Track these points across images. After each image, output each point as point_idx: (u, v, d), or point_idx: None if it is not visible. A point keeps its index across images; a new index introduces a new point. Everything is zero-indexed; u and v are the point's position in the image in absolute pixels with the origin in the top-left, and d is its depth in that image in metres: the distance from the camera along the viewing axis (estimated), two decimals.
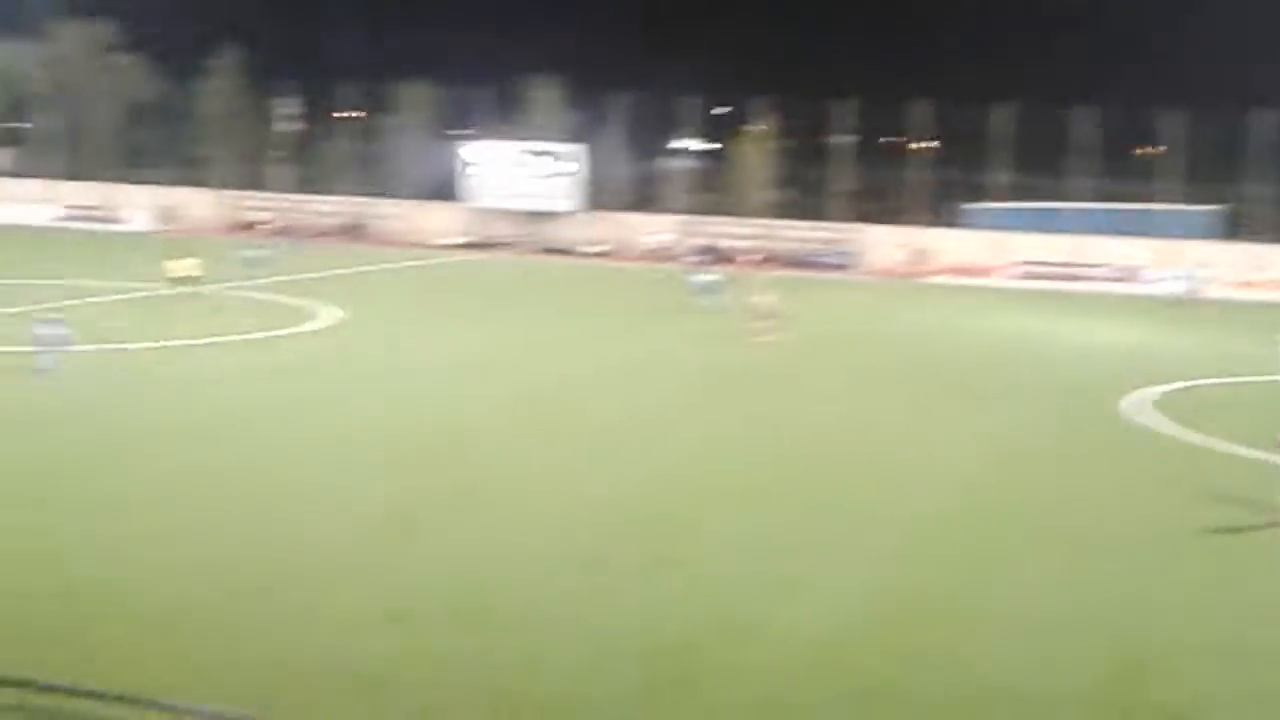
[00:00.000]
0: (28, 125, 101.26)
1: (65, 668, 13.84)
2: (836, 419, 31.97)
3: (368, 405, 31.02)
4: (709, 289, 54.34)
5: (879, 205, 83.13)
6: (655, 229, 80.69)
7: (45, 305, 37.32)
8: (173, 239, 67.04)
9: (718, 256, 72.29)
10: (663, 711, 14.66)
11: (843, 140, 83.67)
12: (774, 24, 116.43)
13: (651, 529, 21.53)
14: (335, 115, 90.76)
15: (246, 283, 54.80)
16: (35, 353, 32.84)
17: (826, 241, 78.28)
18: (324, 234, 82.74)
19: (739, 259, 75.52)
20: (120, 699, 8.83)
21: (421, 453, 26.37)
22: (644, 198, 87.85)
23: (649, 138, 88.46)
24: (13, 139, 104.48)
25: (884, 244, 77.58)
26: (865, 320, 54.60)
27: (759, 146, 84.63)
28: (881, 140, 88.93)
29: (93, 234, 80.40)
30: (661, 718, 14.55)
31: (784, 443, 28.92)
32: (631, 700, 14.81)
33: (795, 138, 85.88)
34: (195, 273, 50.30)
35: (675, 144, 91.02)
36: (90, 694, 8.97)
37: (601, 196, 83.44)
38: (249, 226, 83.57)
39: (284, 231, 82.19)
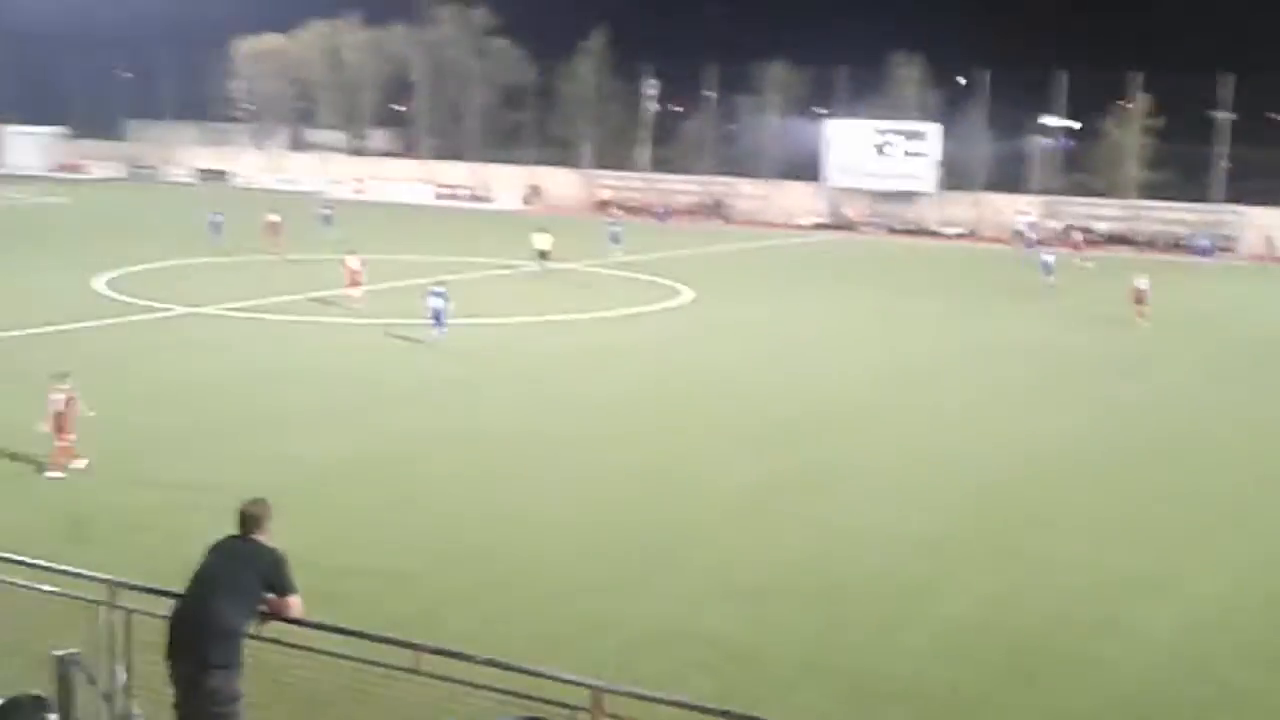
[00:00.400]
0: (402, 109, 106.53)
1: (447, 630, 14.72)
2: (1199, 409, 30.50)
3: (728, 382, 31.43)
4: (1050, 269, 52.81)
5: (1261, 185, 78.48)
6: (1017, 209, 78.61)
7: (426, 281, 39.20)
8: (536, 217, 69.27)
9: (1070, 238, 69.59)
10: (1008, 704, 14.36)
11: (1221, 116, 79.30)
12: None
13: (1003, 514, 21.10)
14: (702, 94, 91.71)
15: (609, 260, 56.24)
16: (426, 324, 34.73)
17: (1199, 224, 74.59)
18: (684, 213, 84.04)
19: (1103, 241, 72.90)
20: (490, 663, 9.21)
21: (778, 430, 26.58)
22: (1006, 177, 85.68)
23: (1011, 115, 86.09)
24: (393, 120, 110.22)
25: (1265, 226, 73.37)
26: (1236, 307, 51.81)
27: (1129, 123, 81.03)
28: (1268, 115, 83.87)
29: (463, 212, 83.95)
30: (1007, 710, 14.26)
31: (1143, 430, 27.81)
32: (977, 689, 14.57)
33: (1169, 114, 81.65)
34: (546, 247, 52.03)
35: (1039, 121, 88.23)
36: (464, 656, 9.40)
37: (961, 176, 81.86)
38: (610, 206, 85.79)
39: (644, 210, 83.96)
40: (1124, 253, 70.05)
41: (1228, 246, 72.67)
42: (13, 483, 21.13)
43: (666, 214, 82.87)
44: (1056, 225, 75.94)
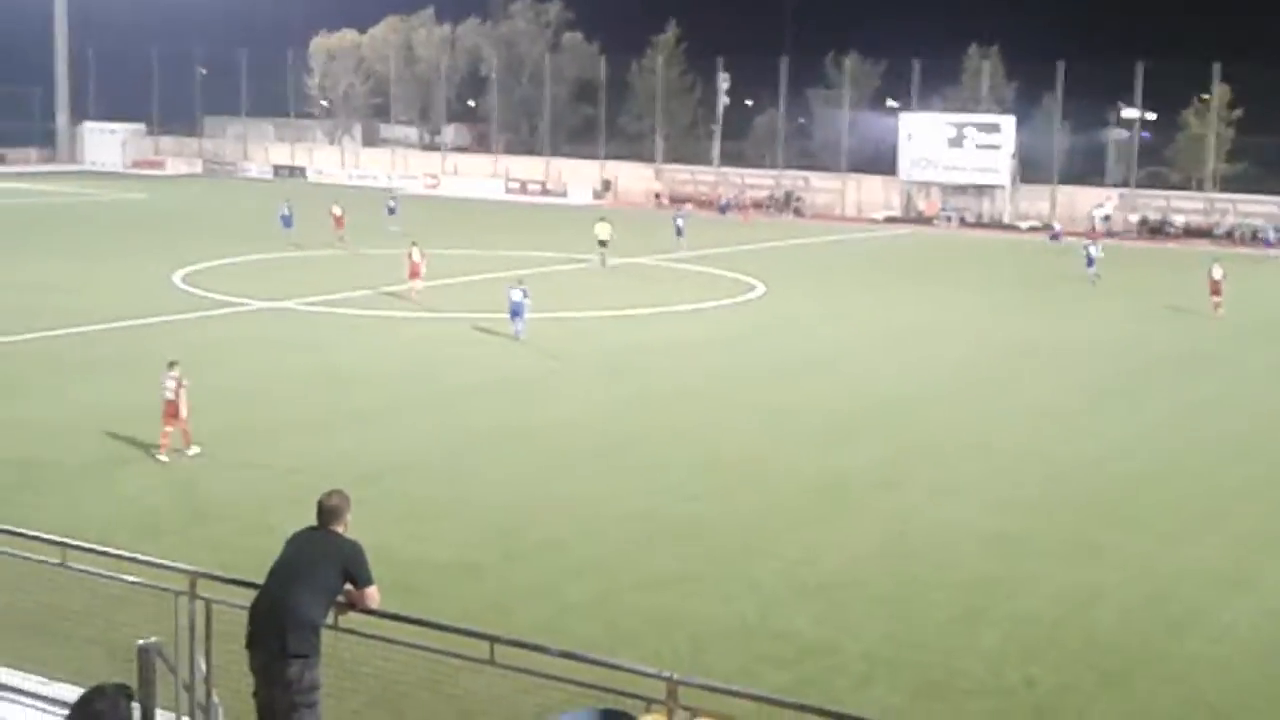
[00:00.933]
0: (475, 104, 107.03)
1: (519, 622, 14.84)
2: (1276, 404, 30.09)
3: (799, 376, 31.36)
4: (1093, 261, 51.99)
5: None
6: (1095, 202, 77.74)
7: (506, 274, 39.42)
8: (602, 209, 69.36)
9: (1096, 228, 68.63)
10: (1086, 701, 14.25)
11: None
12: None
13: (1079, 510, 20.92)
14: (775, 88, 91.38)
15: (679, 254, 56.24)
16: (504, 319, 34.90)
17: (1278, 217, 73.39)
18: (757, 206, 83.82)
19: (1181, 234, 72.03)
20: (565, 655, 9.26)
21: (851, 425, 26.52)
22: (1082, 170, 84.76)
23: (1087, 107, 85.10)
24: (466, 116, 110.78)
25: None
26: None
27: (1207, 115, 79.78)
28: None
29: (536, 207, 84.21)
30: (1085, 707, 14.14)
31: (1226, 426, 27.45)
32: (1054, 685, 14.48)
33: (1248, 105, 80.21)
34: (605, 236, 52.43)
35: (1116, 113, 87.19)
36: (539, 649, 9.46)
37: (1037, 169, 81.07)
38: (682, 201, 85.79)
39: (717, 204, 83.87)
40: (1202, 245, 69.02)
41: None
42: (130, 466, 21.50)
43: (729, 207, 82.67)
44: (1133, 218, 75.09)
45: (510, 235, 63.23)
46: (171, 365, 22.81)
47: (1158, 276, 54.56)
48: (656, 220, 67.58)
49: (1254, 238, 71.75)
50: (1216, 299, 42.77)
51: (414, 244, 42.45)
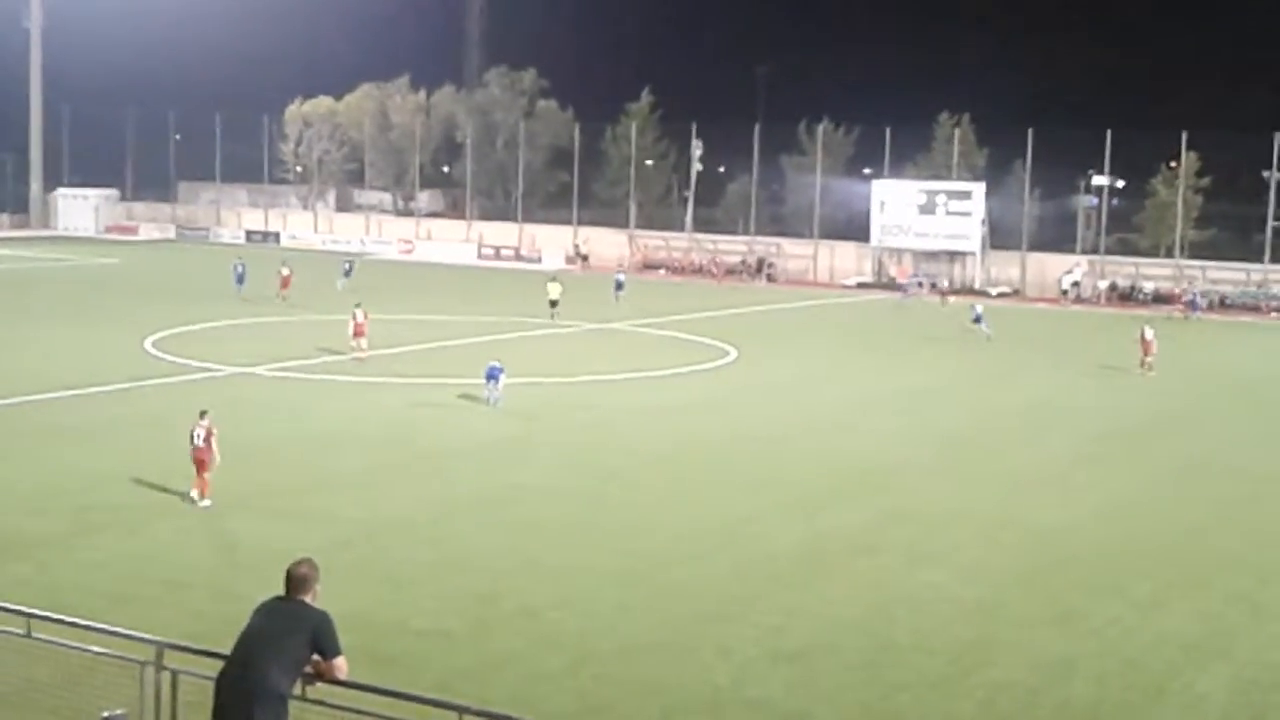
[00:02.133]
0: (445, 169, 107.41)
1: (493, 691, 14.74)
2: (1250, 471, 30.11)
3: (775, 442, 31.32)
4: (980, 318, 54.18)
5: None
6: (1064, 269, 78.25)
7: (480, 340, 39.33)
8: (553, 271, 69.68)
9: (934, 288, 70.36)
10: None
11: (1271, 175, 78.60)
12: (1192, 54, 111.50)
13: (1052, 580, 20.86)
14: (748, 155, 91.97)
15: (619, 311, 56.87)
16: (485, 385, 34.83)
17: (1248, 283, 74.02)
18: (730, 273, 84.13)
19: (1150, 300, 72.53)
20: None
21: (828, 491, 26.48)
22: (1052, 237, 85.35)
23: (1057, 174, 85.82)
24: (440, 182, 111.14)
25: None
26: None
27: (1176, 182, 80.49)
28: None
29: (510, 272, 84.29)
30: None
31: (1201, 491, 27.49)
32: None
33: (1216, 173, 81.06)
34: (556, 296, 55.03)
35: (1086, 180, 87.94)
36: (507, 718, 9.38)
37: (1007, 236, 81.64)
38: (656, 266, 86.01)
39: (688, 270, 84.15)
40: (1171, 311, 69.50)
41: (1278, 306, 72.06)
42: (99, 534, 21.29)
43: (712, 274, 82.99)
44: (1103, 284, 75.62)
45: (483, 301, 63.25)
46: (202, 415, 23.87)
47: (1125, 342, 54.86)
48: (630, 286, 67.67)
49: (1223, 304, 72.31)
50: (1148, 359, 44.20)
51: (357, 305, 43.28)
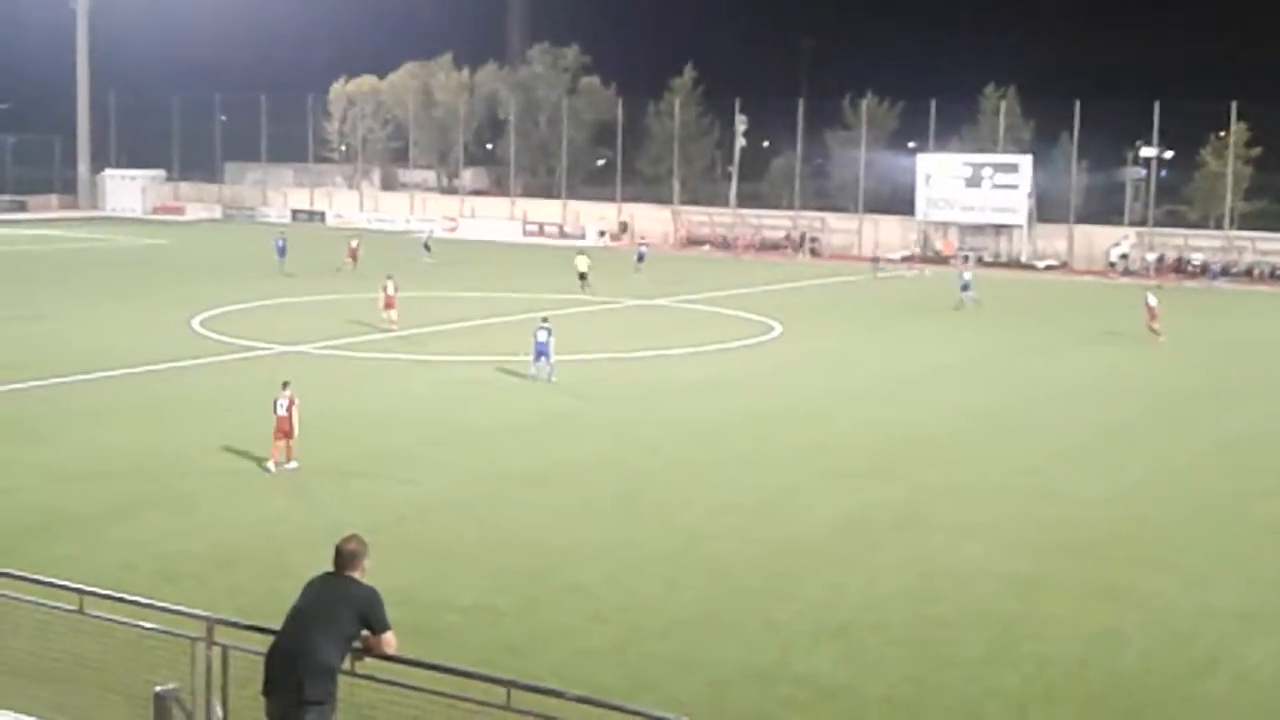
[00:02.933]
0: (493, 147, 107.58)
1: (538, 666, 14.83)
2: None
3: (818, 417, 31.29)
4: (969, 286, 55.53)
5: None
6: (1112, 241, 77.66)
7: (525, 317, 39.45)
8: (627, 249, 69.81)
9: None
10: None
11: None
12: (1240, 23, 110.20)
13: (1101, 550, 20.77)
14: (792, 129, 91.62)
15: (638, 280, 57.04)
16: (531, 361, 34.93)
17: None
18: (775, 248, 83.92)
19: (1199, 272, 71.92)
20: (582, 700, 9.22)
21: (872, 465, 26.43)
22: (1100, 209, 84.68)
23: (1105, 146, 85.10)
24: (484, 159, 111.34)
25: None
26: None
27: (1225, 153, 79.62)
28: None
29: (553, 249, 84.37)
30: None
31: (1245, 462, 27.28)
32: None
33: (1266, 142, 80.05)
34: (584, 269, 56.64)
35: (1134, 152, 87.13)
36: (556, 693, 9.43)
37: (1054, 209, 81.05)
38: (699, 242, 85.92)
39: (732, 246, 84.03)
40: (1222, 284, 68.88)
41: None
42: (151, 511, 21.53)
43: (753, 249, 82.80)
44: (1151, 256, 74.99)
45: (528, 278, 63.37)
46: (285, 385, 25.36)
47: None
48: (675, 262, 67.70)
49: (1273, 276, 71.65)
50: (1155, 325, 44.69)
51: (389, 278, 44.98)
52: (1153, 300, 45.72)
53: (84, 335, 41.76)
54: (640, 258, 65.88)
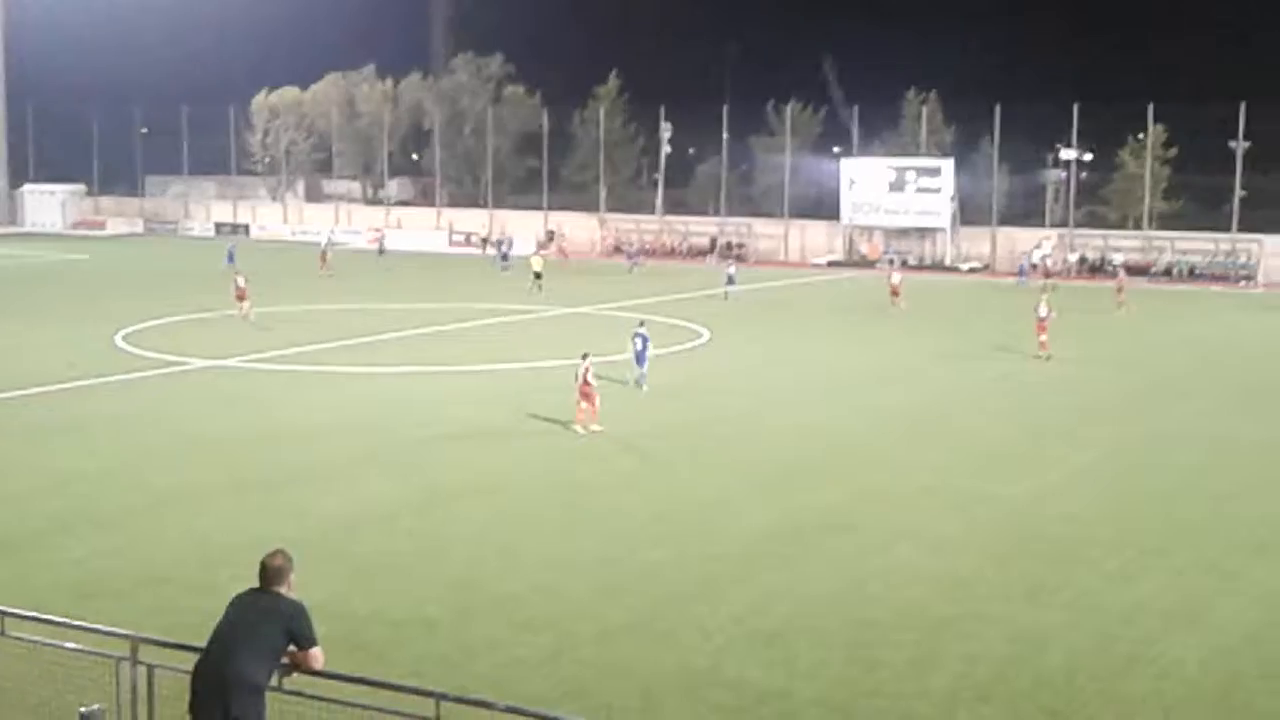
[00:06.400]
0: (419, 158, 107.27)
1: (469, 677, 14.77)
2: (1219, 439, 30.28)
3: (746, 423, 31.39)
4: (733, 280, 60.74)
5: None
6: (1033, 243, 78.53)
7: (448, 328, 39.17)
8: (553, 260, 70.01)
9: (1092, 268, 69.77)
10: None
11: (1237, 145, 78.75)
12: (1157, 26, 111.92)
13: (1027, 553, 20.97)
14: (717, 136, 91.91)
15: (620, 303, 56.42)
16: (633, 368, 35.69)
17: (1215, 254, 74.43)
18: (698, 254, 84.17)
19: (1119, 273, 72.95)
20: (512, 710, 9.21)
21: (799, 469, 26.55)
22: (1021, 211, 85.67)
23: (1025, 149, 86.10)
24: (410, 170, 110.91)
25: None
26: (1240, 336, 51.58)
27: (1143, 154, 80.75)
28: None
29: (481, 259, 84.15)
30: None
31: (1165, 460, 27.67)
32: None
33: (1182, 144, 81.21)
34: (539, 269, 60.94)
35: (1054, 154, 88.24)
36: (485, 704, 9.41)
37: (976, 211, 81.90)
38: (623, 249, 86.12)
39: (660, 253, 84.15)
40: (1140, 283, 69.86)
41: (1249, 275, 72.58)
42: (75, 532, 21.21)
43: (681, 256, 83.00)
44: (1072, 257, 75.88)
45: (452, 287, 63.15)
46: (584, 356, 29.74)
47: (1092, 316, 55.09)
48: (600, 270, 67.75)
49: (1193, 275, 72.78)
50: (1042, 336, 42.16)
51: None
52: (1043, 310, 43.15)
53: (4, 353, 41.11)
54: (505, 257, 72.28)
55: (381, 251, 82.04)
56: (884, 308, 55.24)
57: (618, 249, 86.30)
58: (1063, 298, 55.15)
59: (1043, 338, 42.16)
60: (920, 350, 44.60)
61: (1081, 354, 43.52)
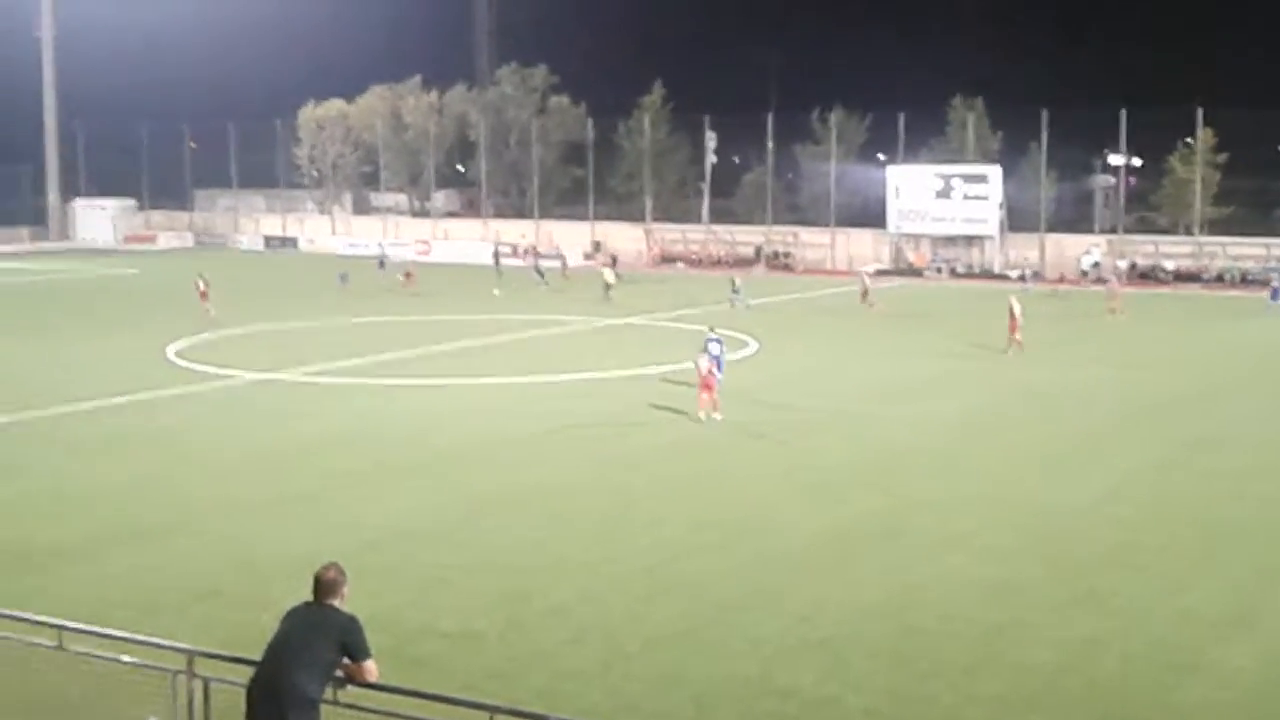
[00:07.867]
0: (460, 168, 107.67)
1: (523, 689, 14.81)
2: (1263, 442, 30.05)
3: (794, 432, 31.33)
4: (739, 290, 59.34)
5: None
6: (1082, 249, 78.01)
7: (495, 340, 39.31)
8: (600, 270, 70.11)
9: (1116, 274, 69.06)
10: None
11: None
12: (1204, 30, 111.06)
13: (1079, 557, 20.86)
14: (762, 144, 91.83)
15: (668, 313, 56.49)
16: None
17: (1268, 259, 73.65)
18: (746, 263, 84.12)
19: (1171, 279, 72.26)
20: None
21: (851, 477, 26.49)
22: (1070, 217, 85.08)
23: (1073, 155, 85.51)
24: (456, 181, 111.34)
25: None
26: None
27: (1193, 159, 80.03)
28: None
29: (527, 269, 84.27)
30: None
31: (1210, 464, 27.42)
32: None
33: (1233, 149, 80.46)
34: (611, 280, 62.33)
35: (1104, 160, 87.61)
36: (540, 718, 9.44)
37: (1024, 218, 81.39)
38: (673, 259, 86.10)
39: (706, 263, 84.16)
40: (1193, 289, 69.29)
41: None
42: (125, 545, 21.43)
43: (728, 265, 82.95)
44: (1122, 263, 75.28)
45: (499, 300, 63.33)
46: (707, 344, 33.26)
47: (1138, 323, 54.66)
48: (646, 280, 67.83)
49: (1244, 281, 72.06)
50: (1015, 335, 43.69)
51: (200, 274, 54.96)
52: (1017, 308, 44.04)
53: (56, 369, 41.56)
54: (539, 270, 71.67)
55: (382, 265, 78.28)
56: (929, 315, 54.86)
57: (663, 258, 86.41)
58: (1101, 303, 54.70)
59: (1017, 335, 43.90)
60: (966, 356, 44.33)
61: (1123, 361, 43.21)
